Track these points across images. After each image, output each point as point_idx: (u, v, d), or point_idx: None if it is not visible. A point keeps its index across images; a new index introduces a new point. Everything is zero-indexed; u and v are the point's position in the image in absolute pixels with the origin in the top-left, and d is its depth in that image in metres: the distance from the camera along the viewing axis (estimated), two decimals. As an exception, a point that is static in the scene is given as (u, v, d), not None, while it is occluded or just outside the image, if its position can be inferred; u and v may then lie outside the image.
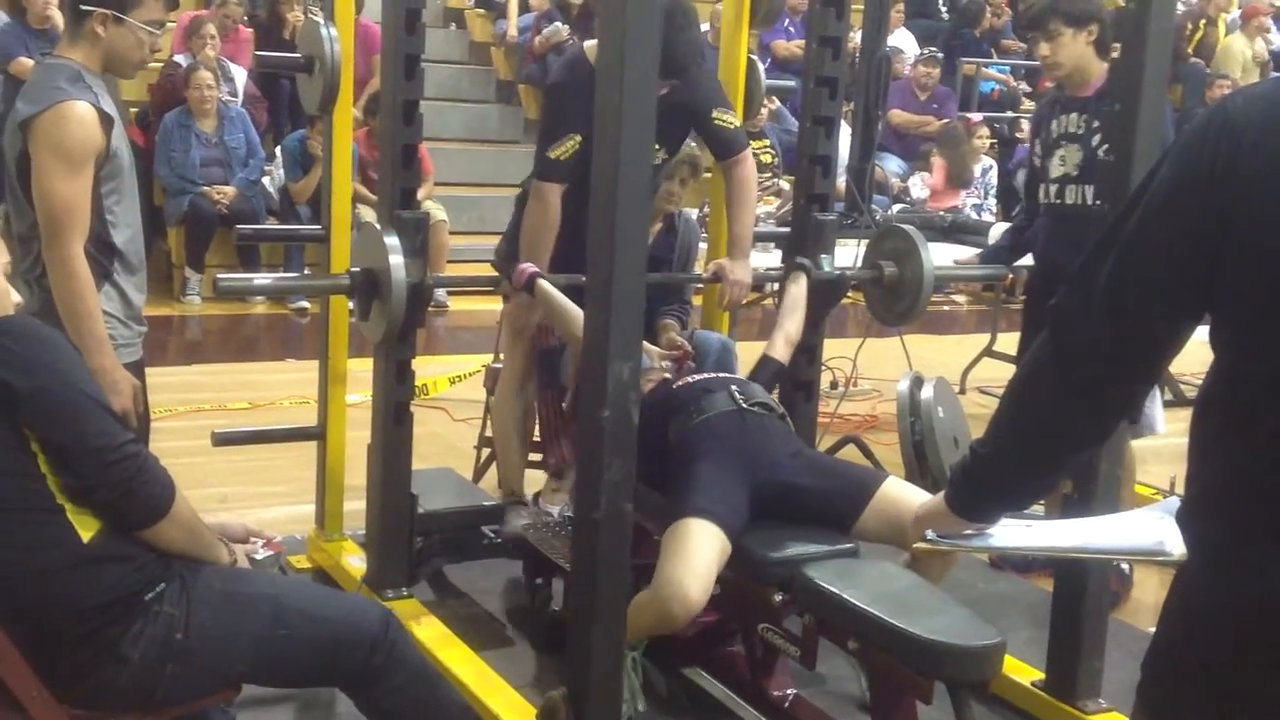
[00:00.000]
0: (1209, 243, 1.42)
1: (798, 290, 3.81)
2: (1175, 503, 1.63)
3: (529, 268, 3.43)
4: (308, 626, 2.39)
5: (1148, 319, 1.51)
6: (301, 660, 2.41)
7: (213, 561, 2.39)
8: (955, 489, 1.82)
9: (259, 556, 2.54)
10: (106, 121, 2.91)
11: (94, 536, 2.20)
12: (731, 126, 3.74)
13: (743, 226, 3.82)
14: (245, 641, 2.33)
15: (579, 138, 3.47)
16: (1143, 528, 1.82)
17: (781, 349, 3.64)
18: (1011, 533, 1.89)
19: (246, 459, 4.78)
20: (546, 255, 3.58)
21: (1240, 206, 1.40)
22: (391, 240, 3.39)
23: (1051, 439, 1.66)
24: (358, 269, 3.51)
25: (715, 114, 3.67)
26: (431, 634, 3.39)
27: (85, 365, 2.30)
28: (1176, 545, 1.62)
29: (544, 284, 3.38)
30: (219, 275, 3.73)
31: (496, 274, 3.74)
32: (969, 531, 1.84)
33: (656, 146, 3.50)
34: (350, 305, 3.65)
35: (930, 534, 1.87)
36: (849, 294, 4.33)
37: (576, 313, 3.35)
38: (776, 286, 4.24)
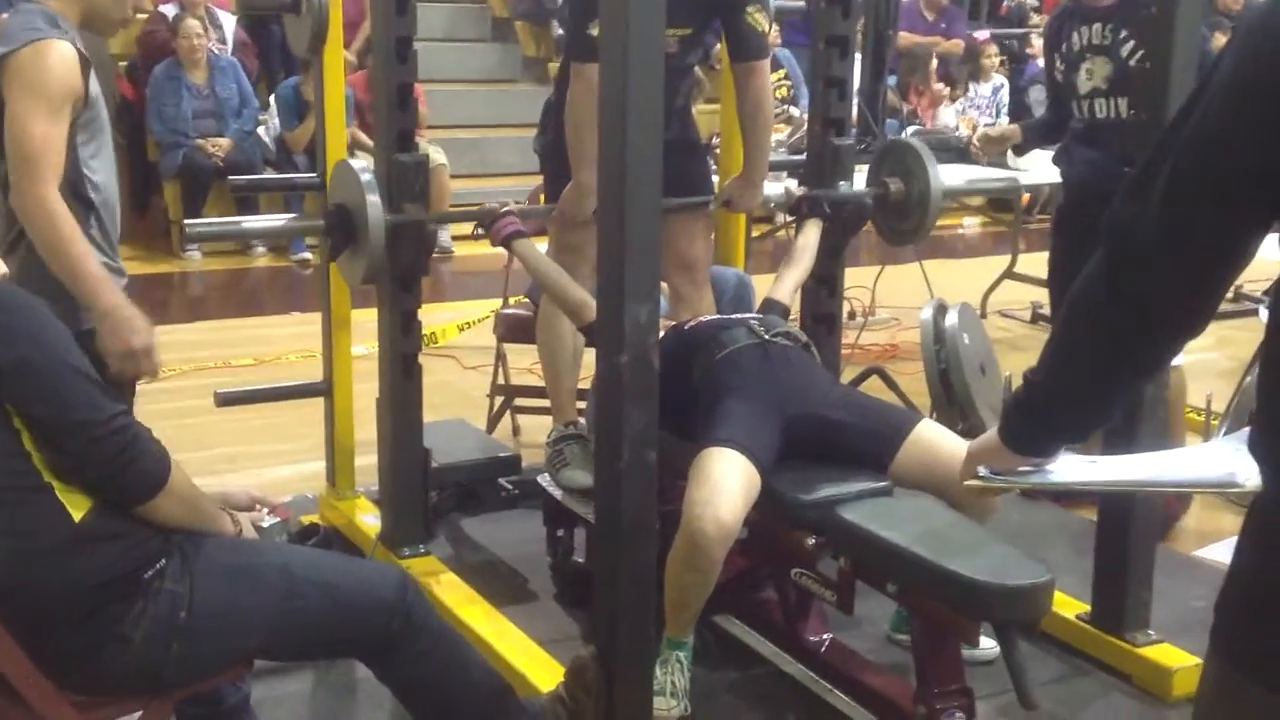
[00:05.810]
0: (1271, 140, 1.33)
1: (809, 238, 3.64)
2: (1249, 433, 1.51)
3: (509, 225, 3.28)
4: (321, 596, 2.27)
5: (1208, 224, 1.41)
6: (316, 632, 2.29)
7: (216, 534, 2.26)
8: (1008, 420, 1.71)
9: (265, 524, 2.41)
10: (86, 65, 2.73)
11: (85, 515, 2.06)
12: (760, 29, 3.48)
13: (758, 147, 3.59)
14: (255, 616, 2.21)
15: None
16: (1213, 459, 1.70)
17: (787, 293, 3.47)
18: (1070, 468, 1.76)
19: (254, 417, 4.67)
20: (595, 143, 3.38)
21: None
22: (368, 178, 3.20)
23: (1104, 361, 1.55)
24: (331, 207, 3.31)
25: (750, 9, 3.41)
26: (451, 591, 3.30)
27: (70, 336, 2.14)
28: (1250, 476, 1.50)
29: (522, 243, 3.27)
30: (186, 221, 3.59)
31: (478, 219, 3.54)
32: (1025, 468, 1.72)
33: (682, 28, 3.35)
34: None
35: (983, 470, 1.75)
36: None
37: (556, 273, 3.24)
38: (788, 218, 4.09)
